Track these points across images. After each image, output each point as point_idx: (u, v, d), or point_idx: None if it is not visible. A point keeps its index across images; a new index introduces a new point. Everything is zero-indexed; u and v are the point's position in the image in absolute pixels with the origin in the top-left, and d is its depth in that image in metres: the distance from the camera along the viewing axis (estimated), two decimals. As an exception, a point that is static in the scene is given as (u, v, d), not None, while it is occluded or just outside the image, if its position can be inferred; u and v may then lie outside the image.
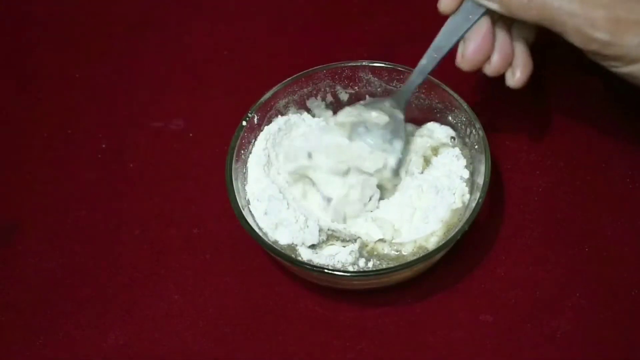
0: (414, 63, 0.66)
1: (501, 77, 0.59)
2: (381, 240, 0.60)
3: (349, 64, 0.67)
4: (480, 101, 0.65)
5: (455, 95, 0.63)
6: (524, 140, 0.69)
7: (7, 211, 0.69)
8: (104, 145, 0.72)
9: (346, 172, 0.61)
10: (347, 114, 0.63)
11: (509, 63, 0.59)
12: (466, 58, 0.58)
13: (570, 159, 0.67)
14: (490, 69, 0.59)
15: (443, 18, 0.79)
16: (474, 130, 0.62)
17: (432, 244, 0.59)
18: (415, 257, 0.58)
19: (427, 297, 0.61)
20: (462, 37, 0.58)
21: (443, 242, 0.58)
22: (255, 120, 0.65)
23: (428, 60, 0.60)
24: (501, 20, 0.58)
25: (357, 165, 0.61)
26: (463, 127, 0.64)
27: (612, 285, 0.60)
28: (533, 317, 0.59)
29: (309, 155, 0.62)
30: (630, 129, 0.68)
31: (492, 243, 0.63)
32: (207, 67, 0.78)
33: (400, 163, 0.62)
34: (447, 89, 0.64)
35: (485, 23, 0.58)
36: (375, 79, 0.67)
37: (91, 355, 0.60)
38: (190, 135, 0.72)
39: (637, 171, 0.66)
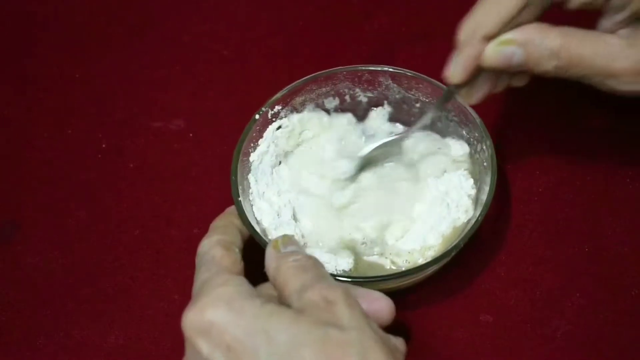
0: (414, 64, 0.67)
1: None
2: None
3: (370, 68, 0.66)
4: (478, 107, 0.64)
5: (471, 110, 0.62)
6: (524, 141, 0.69)
7: (7, 211, 0.69)
8: (104, 145, 0.72)
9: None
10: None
11: None
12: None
13: (570, 159, 0.67)
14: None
15: (441, 19, 0.79)
16: (484, 147, 0.62)
17: (428, 257, 0.59)
18: (407, 269, 0.58)
19: (427, 298, 0.61)
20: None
21: (437, 256, 0.57)
22: (269, 115, 0.64)
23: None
24: None
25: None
26: (475, 142, 0.63)
27: (612, 285, 0.60)
28: (533, 317, 0.59)
29: None
30: (630, 129, 0.68)
31: (492, 243, 0.63)
32: (207, 67, 0.78)
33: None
34: (465, 104, 0.62)
35: None
36: (395, 85, 0.66)
37: (91, 355, 0.60)
38: (190, 135, 0.72)
39: (637, 171, 0.66)
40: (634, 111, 0.68)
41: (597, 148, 0.68)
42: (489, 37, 0.53)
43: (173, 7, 0.83)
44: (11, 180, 0.71)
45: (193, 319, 0.47)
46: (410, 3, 0.81)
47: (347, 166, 0.63)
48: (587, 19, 0.56)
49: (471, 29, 0.54)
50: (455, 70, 0.55)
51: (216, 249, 0.53)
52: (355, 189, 0.63)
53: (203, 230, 0.65)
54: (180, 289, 0.63)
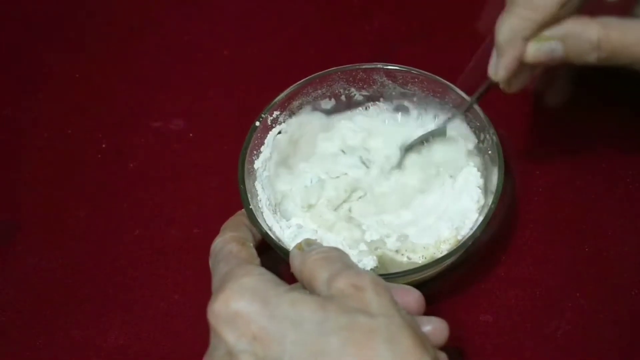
0: (414, 63, 0.67)
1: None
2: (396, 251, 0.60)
3: (364, 66, 0.66)
4: (480, 103, 0.65)
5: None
6: (523, 141, 0.69)
7: (7, 211, 0.69)
8: (104, 145, 0.72)
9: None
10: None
11: None
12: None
13: (570, 159, 0.67)
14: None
15: (441, 18, 0.78)
16: (487, 136, 0.62)
17: (443, 251, 0.59)
18: (424, 263, 0.58)
19: (428, 298, 0.61)
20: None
21: (454, 248, 0.57)
22: (269, 121, 0.64)
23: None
24: None
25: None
26: (476, 132, 0.64)
27: (612, 285, 0.60)
28: (533, 317, 0.59)
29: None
30: (630, 129, 0.68)
31: (492, 243, 0.63)
32: (207, 67, 0.78)
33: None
34: (462, 94, 0.63)
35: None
36: (390, 81, 0.66)
37: (91, 355, 0.60)
38: (190, 135, 0.72)
39: (637, 171, 0.66)
40: (634, 111, 0.68)
41: (597, 148, 0.68)
42: (529, 38, 0.54)
43: (173, 7, 0.83)
44: (11, 180, 0.71)
45: (218, 309, 0.47)
46: (410, 3, 0.81)
47: (394, 154, 0.64)
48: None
49: (509, 32, 0.54)
50: (499, 71, 0.56)
51: (231, 244, 0.54)
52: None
53: (203, 230, 0.66)
54: (180, 289, 0.63)
